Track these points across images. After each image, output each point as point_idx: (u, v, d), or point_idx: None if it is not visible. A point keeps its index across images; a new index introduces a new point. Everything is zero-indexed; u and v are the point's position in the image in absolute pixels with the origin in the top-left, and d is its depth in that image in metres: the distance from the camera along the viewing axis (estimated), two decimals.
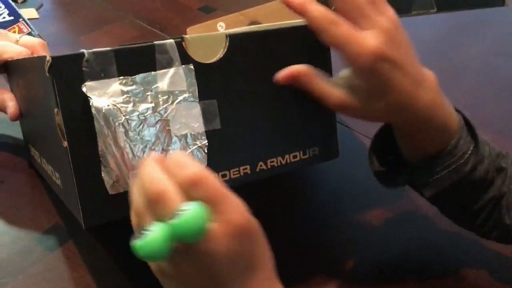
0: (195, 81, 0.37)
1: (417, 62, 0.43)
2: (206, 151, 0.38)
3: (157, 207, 0.30)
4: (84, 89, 0.33)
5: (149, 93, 0.36)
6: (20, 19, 0.72)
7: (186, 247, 0.30)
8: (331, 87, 0.42)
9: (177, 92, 0.37)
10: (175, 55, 0.37)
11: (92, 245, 0.50)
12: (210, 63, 0.39)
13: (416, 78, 0.42)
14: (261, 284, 0.33)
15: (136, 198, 0.31)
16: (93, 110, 0.33)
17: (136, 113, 0.35)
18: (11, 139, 0.60)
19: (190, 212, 0.29)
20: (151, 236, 0.29)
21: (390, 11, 0.41)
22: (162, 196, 0.30)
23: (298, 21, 0.44)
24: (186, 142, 0.37)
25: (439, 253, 0.56)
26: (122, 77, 0.34)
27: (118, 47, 0.35)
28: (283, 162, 0.43)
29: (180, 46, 0.37)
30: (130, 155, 0.35)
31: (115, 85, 0.34)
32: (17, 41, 0.54)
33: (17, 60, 0.48)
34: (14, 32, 0.69)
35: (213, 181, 0.31)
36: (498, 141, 0.72)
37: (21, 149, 0.58)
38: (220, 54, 0.40)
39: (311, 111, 0.44)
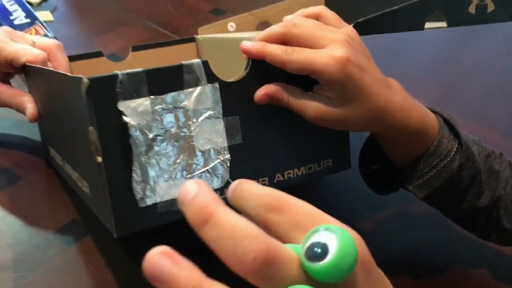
0: (220, 99, 0.39)
1: (379, 71, 0.44)
2: (228, 165, 0.40)
3: (272, 272, 0.20)
4: (118, 109, 0.35)
5: (176, 110, 0.37)
6: (36, 21, 0.73)
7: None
8: (308, 101, 0.42)
9: (202, 109, 0.38)
10: (202, 74, 0.39)
11: (108, 240, 0.51)
12: (234, 82, 0.41)
13: (383, 81, 0.43)
14: None
15: (233, 264, 0.20)
16: (126, 128, 0.35)
17: (163, 130, 0.37)
18: (28, 139, 0.62)
19: (336, 244, 0.20)
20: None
21: (341, 27, 0.43)
22: (273, 255, 0.20)
23: None
24: (209, 156, 0.39)
25: (445, 251, 0.57)
26: (152, 96, 0.36)
27: (149, 68, 0.36)
28: (299, 174, 0.45)
29: (206, 65, 0.39)
30: (157, 169, 0.37)
31: (146, 104, 0.36)
32: (34, 43, 0.56)
33: (42, 68, 0.49)
34: (31, 34, 0.71)
35: (293, 200, 0.23)
36: (505, 142, 0.74)
37: (38, 148, 0.60)
38: (243, 73, 0.41)
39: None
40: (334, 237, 0.20)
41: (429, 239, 0.58)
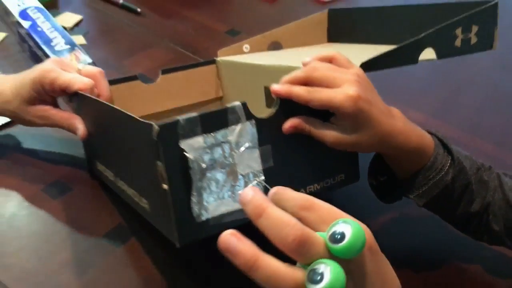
0: (256, 133, 0.48)
1: (383, 102, 0.53)
2: (263, 184, 0.49)
3: (306, 250, 0.29)
4: (180, 146, 0.44)
5: (223, 144, 0.46)
6: (76, 47, 0.82)
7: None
8: (326, 130, 0.51)
9: (243, 142, 0.47)
10: (242, 114, 0.47)
11: (150, 241, 0.60)
12: (266, 118, 0.50)
13: (387, 111, 0.52)
14: None
15: (280, 243, 0.30)
16: (186, 161, 0.44)
17: (213, 160, 0.45)
18: (72, 155, 0.70)
19: (351, 232, 0.29)
20: (333, 275, 0.28)
21: (351, 67, 0.52)
22: (307, 238, 0.29)
23: None
24: (249, 179, 0.48)
25: (443, 249, 0.65)
26: (205, 134, 0.45)
27: (202, 112, 0.45)
28: (318, 188, 0.54)
29: (245, 106, 0.47)
30: (209, 192, 0.45)
31: (200, 141, 0.45)
32: (80, 70, 0.64)
33: (104, 104, 0.56)
34: (71, 60, 0.79)
35: (320, 202, 0.32)
36: (498, 152, 0.81)
37: (82, 162, 0.68)
38: (273, 110, 0.50)
39: None
40: (349, 227, 0.30)
41: (428, 238, 0.66)
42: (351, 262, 0.30)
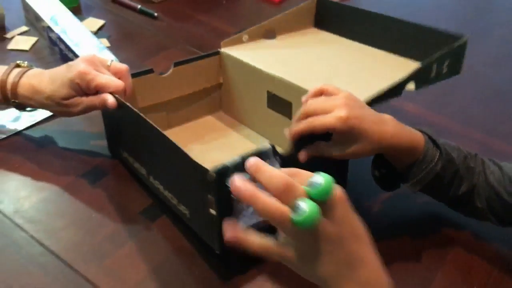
0: (280, 165, 0.59)
1: (374, 112, 0.62)
2: None
3: (290, 192, 0.39)
4: (226, 184, 0.53)
5: None
6: (104, 49, 0.91)
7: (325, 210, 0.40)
8: (330, 148, 0.62)
9: None
10: (271, 153, 0.59)
11: (178, 218, 0.68)
12: (287, 155, 0.61)
13: (378, 120, 0.61)
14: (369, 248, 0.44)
15: (271, 188, 0.40)
16: (230, 194, 0.53)
17: None
18: (103, 147, 0.79)
19: (323, 180, 0.39)
20: (310, 208, 0.38)
21: (339, 93, 0.62)
22: (291, 184, 0.39)
23: None
24: None
25: (434, 221, 0.73)
26: (245, 172, 0.56)
27: (243, 155, 0.55)
28: None
29: (274, 148, 0.59)
30: (241, 215, 0.56)
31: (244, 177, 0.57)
32: (109, 66, 0.71)
33: (153, 128, 0.62)
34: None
35: (304, 171, 0.44)
36: (487, 140, 0.90)
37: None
38: (290, 150, 0.62)
39: (332, 162, 0.64)
40: (322, 178, 0.40)
41: (421, 212, 0.75)
42: (325, 204, 0.40)
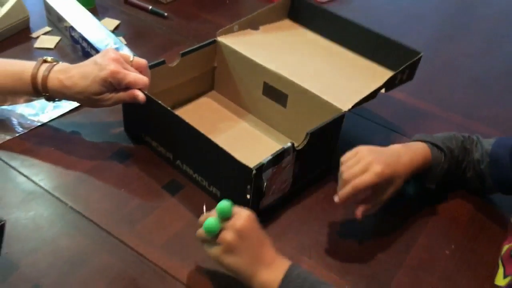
0: (292, 157, 0.73)
1: (389, 151, 0.74)
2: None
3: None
4: (261, 176, 0.69)
5: (281, 169, 0.73)
6: (124, 47, 1.01)
7: (225, 225, 0.60)
8: (375, 198, 0.73)
9: (287, 166, 0.73)
10: (291, 150, 0.72)
11: (197, 191, 0.79)
12: (300, 148, 0.74)
13: (396, 157, 0.74)
14: (270, 250, 0.62)
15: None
16: (263, 183, 0.69)
17: (274, 180, 0.73)
18: (121, 134, 0.90)
19: (221, 206, 0.60)
20: (210, 221, 0.60)
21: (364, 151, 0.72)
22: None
23: None
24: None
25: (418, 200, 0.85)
26: (273, 166, 0.70)
27: (274, 154, 0.70)
28: None
29: (293, 146, 0.72)
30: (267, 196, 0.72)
31: (271, 171, 0.71)
32: (131, 61, 0.79)
33: (197, 131, 0.73)
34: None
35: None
36: (466, 122, 1.01)
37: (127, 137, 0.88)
38: (303, 145, 0.75)
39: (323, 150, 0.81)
40: (225, 204, 0.60)
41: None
42: (228, 220, 0.61)
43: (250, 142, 0.91)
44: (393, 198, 0.74)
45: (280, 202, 0.78)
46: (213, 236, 0.61)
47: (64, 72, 0.78)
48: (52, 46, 1.09)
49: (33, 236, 0.71)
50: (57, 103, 0.87)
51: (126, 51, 1.00)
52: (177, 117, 0.75)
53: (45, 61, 0.80)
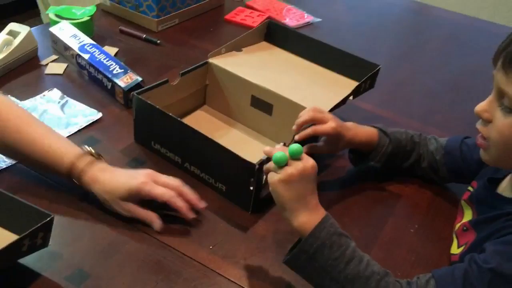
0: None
1: (343, 122, 0.94)
2: None
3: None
4: (261, 169, 0.82)
5: None
6: (128, 71, 1.16)
7: (293, 163, 0.72)
8: (321, 148, 0.94)
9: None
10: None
11: (202, 183, 0.94)
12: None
13: (347, 127, 0.93)
14: (316, 199, 0.74)
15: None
16: (262, 175, 0.84)
17: None
18: (137, 145, 1.04)
19: (294, 147, 0.72)
20: (280, 153, 0.71)
21: (327, 114, 0.93)
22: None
23: None
24: None
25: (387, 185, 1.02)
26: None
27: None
28: None
29: (284, 144, 0.86)
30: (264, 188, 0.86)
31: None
32: (167, 182, 0.84)
33: (200, 134, 0.91)
34: (127, 79, 1.13)
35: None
36: (423, 127, 1.19)
37: (143, 149, 1.02)
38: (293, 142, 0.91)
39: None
40: (297, 147, 0.73)
41: (375, 178, 1.03)
42: (298, 159, 0.72)
43: (242, 147, 1.05)
44: (366, 187, 0.90)
45: None
46: (279, 167, 0.71)
47: (101, 170, 0.84)
48: (61, 71, 1.23)
49: (73, 228, 0.84)
50: (73, 119, 1.01)
51: (133, 75, 1.15)
52: (186, 126, 0.91)
53: (90, 153, 0.86)
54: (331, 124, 0.90)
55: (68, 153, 0.85)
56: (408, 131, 0.99)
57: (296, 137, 0.90)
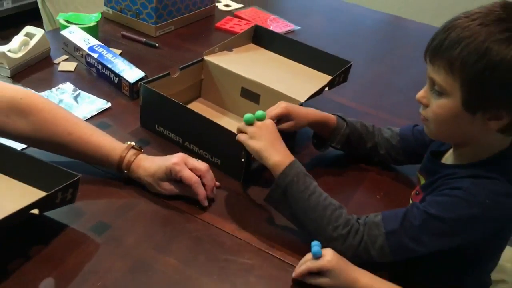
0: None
1: (303, 107, 1.12)
2: None
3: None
4: None
5: None
6: (133, 67, 1.32)
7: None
8: (282, 125, 1.06)
9: None
10: None
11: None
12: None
13: (304, 108, 1.09)
14: (283, 147, 0.95)
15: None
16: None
17: None
18: (139, 128, 1.20)
19: (259, 112, 0.95)
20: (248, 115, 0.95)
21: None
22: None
23: None
24: None
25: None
26: None
27: None
28: None
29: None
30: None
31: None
32: (194, 165, 0.98)
33: (198, 114, 1.08)
34: (132, 74, 1.29)
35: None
36: (391, 118, 1.37)
37: (146, 131, 1.18)
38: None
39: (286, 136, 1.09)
40: (260, 112, 0.98)
41: (344, 160, 1.20)
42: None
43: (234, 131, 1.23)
44: (329, 172, 1.08)
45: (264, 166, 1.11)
46: (248, 126, 0.95)
47: (144, 159, 1.00)
48: (72, 69, 1.39)
49: (94, 188, 1.00)
50: (86, 108, 1.17)
51: (137, 71, 1.31)
52: (188, 109, 1.07)
53: (132, 147, 1.01)
54: (281, 104, 1.05)
55: (116, 148, 1.00)
56: (363, 122, 1.16)
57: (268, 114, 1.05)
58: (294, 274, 0.87)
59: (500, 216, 0.85)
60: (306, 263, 0.86)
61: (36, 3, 2.46)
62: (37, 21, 2.97)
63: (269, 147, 0.93)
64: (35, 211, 0.83)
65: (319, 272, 0.85)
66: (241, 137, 0.96)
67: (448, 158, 0.98)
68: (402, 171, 1.18)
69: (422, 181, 1.01)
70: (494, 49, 0.77)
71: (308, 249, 0.88)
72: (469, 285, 0.97)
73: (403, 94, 1.53)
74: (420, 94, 0.91)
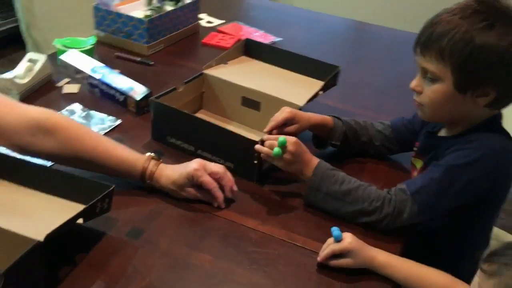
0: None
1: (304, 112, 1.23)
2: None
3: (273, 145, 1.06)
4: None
5: None
6: (135, 85, 1.40)
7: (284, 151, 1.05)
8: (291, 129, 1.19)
9: None
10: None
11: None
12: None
13: (300, 111, 1.21)
14: (311, 156, 1.07)
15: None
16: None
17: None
18: (151, 141, 1.28)
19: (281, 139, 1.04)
20: (275, 150, 1.04)
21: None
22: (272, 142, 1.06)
23: None
24: None
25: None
26: None
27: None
28: None
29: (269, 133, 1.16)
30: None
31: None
32: (212, 170, 1.06)
33: (214, 125, 1.25)
34: (137, 91, 1.37)
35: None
36: (374, 115, 1.49)
37: (159, 144, 1.26)
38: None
39: None
40: (282, 137, 1.06)
41: (344, 155, 1.31)
42: (284, 147, 1.05)
43: None
44: (337, 159, 1.19)
45: (274, 165, 1.20)
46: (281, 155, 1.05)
47: (165, 169, 1.08)
48: (76, 90, 1.45)
49: (121, 198, 1.07)
50: (97, 126, 1.24)
51: (140, 87, 1.39)
52: (199, 119, 1.17)
53: (152, 158, 1.08)
54: (286, 109, 1.17)
55: (138, 160, 1.07)
56: (355, 119, 1.28)
57: (265, 130, 1.17)
58: (319, 258, 0.97)
59: (505, 159, 1.01)
60: (329, 246, 0.96)
61: (16, 28, 2.52)
62: (17, 46, 3.02)
63: (300, 162, 1.07)
64: (80, 220, 0.90)
65: (341, 254, 0.95)
66: (279, 165, 1.08)
67: (443, 132, 1.12)
68: (396, 160, 1.31)
69: (419, 165, 1.13)
70: (477, 36, 0.93)
71: (325, 237, 0.98)
72: (472, 239, 1.12)
73: (385, 93, 1.65)
74: (414, 83, 1.04)
